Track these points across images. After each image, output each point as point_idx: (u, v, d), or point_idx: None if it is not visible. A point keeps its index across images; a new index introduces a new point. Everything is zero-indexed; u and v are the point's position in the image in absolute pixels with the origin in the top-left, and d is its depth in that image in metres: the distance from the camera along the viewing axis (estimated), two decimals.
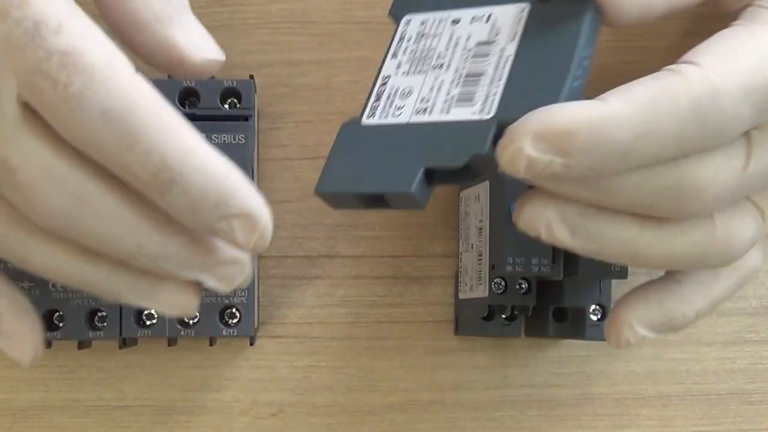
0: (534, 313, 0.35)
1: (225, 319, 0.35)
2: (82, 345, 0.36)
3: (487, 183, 0.34)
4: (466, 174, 0.26)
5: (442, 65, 0.29)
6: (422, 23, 0.31)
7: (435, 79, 0.29)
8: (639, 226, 0.26)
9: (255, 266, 0.35)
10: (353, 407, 0.38)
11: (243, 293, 0.35)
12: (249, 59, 0.38)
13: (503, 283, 0.34)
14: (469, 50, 0.29)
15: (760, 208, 0.27)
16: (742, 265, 0.29)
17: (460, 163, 0.25)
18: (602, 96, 0.25)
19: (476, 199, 0.35)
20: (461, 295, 0.37)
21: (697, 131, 0.24)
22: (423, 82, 0.29)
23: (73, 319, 0.34)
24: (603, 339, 0.35)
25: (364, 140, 0.28)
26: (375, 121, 0.29)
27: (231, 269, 0.27)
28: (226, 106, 0.35)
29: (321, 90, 0.38)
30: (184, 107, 0.35)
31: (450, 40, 0.29)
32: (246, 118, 0.35)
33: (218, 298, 0.35)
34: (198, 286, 0.28)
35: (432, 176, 0.26)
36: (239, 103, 0.35)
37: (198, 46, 0.28)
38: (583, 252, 0.27)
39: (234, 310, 0.35)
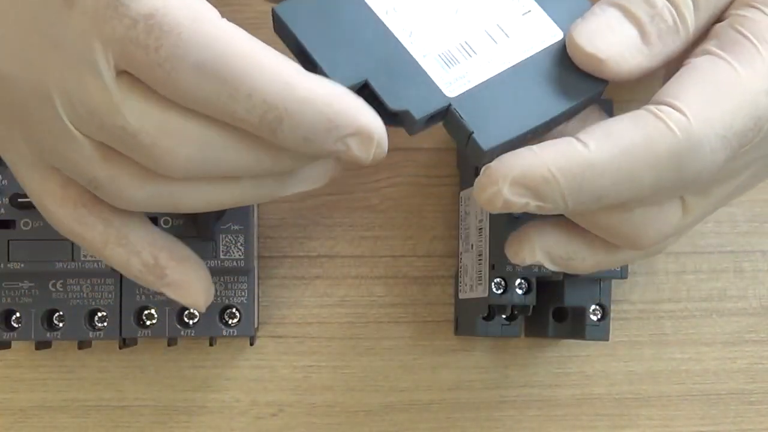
0: (534, 313, 0.35)
1: (225, 319, 0.35)
2: (82, 345, 0.36)
3: None
4: (389, 116, 0.26)
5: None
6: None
7: (444, 16, 0.28)
8: (597, 252, 0.29)
9: (255, 266, 0.35)
10: (353, 407, 0.38)
11: (243, 293, 0.35)
12: None
13: (503, 283, 0.34)
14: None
15: (684, 200, 0.28)
16: None
17: (394, 106, 0.26)
18: (582, 136, 0.25)
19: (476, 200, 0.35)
20: (461, 295, 0.37)
21: (673, 179, 0.25)
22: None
23: (73, 319, 0.34)
24: (603, 339, 0.35)
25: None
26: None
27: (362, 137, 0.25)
28: None
29: None
30: None
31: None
32: None
33: (218, 299, 0.35)
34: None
35: (363, 90, 0.26)
36: None
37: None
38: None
39: (234, 310, 0.35)
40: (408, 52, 0.27)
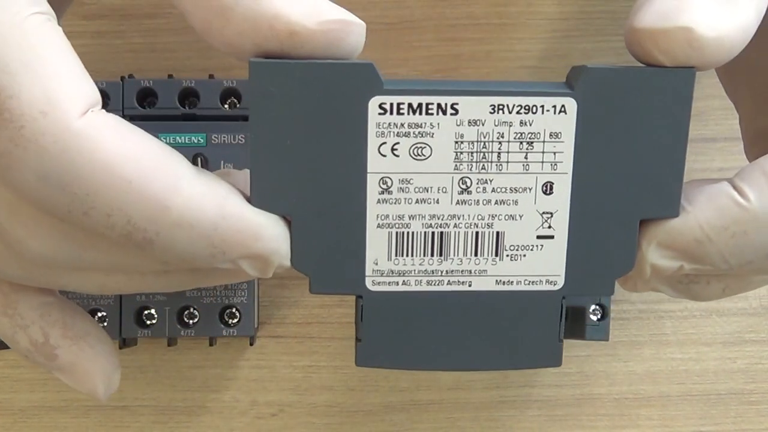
0: None
1: (225, 319, 0.35)
2: None
3: None
4: None
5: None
6: None
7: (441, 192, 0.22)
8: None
9: None
10: (353, 407, 0.38)
11: (243, 293, 0.35)
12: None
13: None
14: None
15: None
16: None
17: (296, 266, 0.23)
18: (740, 183, 0.21)
19: None
20: None
21: (728, 255, 0.21)
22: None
23: None
24: (603, 339, 0.35)
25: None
26: None
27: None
28: (226, 106, 0.35)
29: None
30: (184, 107, 0.35)
31: None
32: (246, 118, 0.35)
33: (218, 298, 0.35)
34: None
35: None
36: (239, 103, 0.35)
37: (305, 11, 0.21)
38: None
39: (234, 310, 0.35)
40: (363, 214, 0.21)
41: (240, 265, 0.21)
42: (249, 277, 0.22)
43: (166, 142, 0.33)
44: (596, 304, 0.34)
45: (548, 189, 0.21)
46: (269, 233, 0.21)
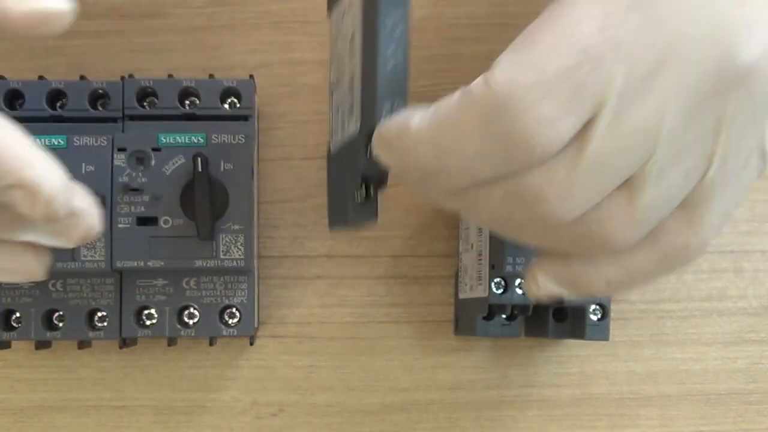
0: (534, 313, 0.35)
1: (225, 319, 0.35)
2: (82, 345, 0.36)
3: None
4: (384, 181, 0.26)
5: (344, 72, 0.28)
6: (336, 23, 0.30)
7: (343, 92, 0.28)
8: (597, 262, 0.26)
9: (255, 266, 0.35)
10: (353, 407, 0.38)
11: (243, 293, 0.35)
12: (249, 59, 0.38)
13: (503, 283, 0.34)
14: (349, 50, 0.28)
15: (628, 188, 0.24)
16: (661, 239, 0.26)
17: (359, 182, 0.26)
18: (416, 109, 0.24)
19: None
20: (461, 295, 0.37)
21: (497, 148, 0.22)
22: (342, 97, 0.29)
23: (73, 319, 0.34)
24: (603, 339, 0.35)
25: (333, 171, 0.30)
26: (334, 148, 0.30)
27: (64, 224, 0.26)
28: (226, 106, 0.35)
29: (321, 90, 0.38)
30: (183, 107, 0.35)
31: (343, 40, 0.29)
32: (246, 118, 0.35)
33: (218, 298, 0.35)
34: (37, 248, 0.28)
35: (368, 191, 0.27)
36: (239, 103, 0.35)
37: None
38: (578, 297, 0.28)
39: (234, 310, 0.35)
40: (348, 143, 0.27)
41: (14, 198, 0.24)
42: (24, 214, 0.24)
43: (166, 142, 0.33)
44: (596, 304, 0.34)
45: None
46: (43, 164, 0.24)
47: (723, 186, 0.25)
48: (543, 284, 0.27)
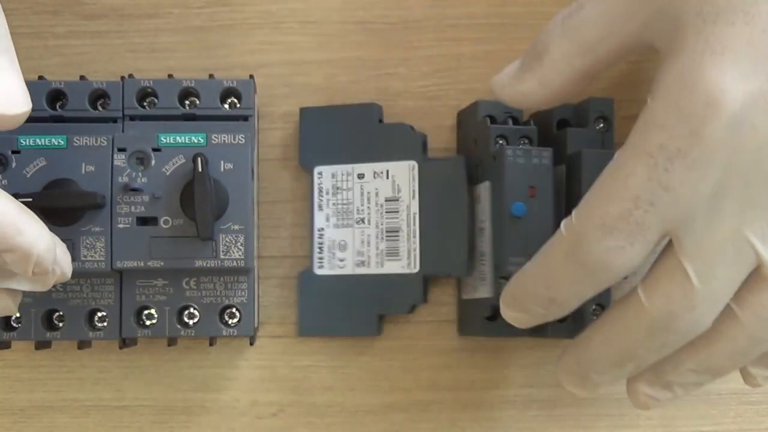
0: None
1: (225, 319, 0.35)
2: (82, 345, 0.36)
3: (488, 183, 0.34)
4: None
5: (363, 220, 0.36)
6: (333, 176, 0.36)
7: (362, 234, 0.36)
8: None
9: (255, 266, 0.35)
10: (353, 407, 0.38)
11: (243, 293, 0.35)
12: (249, 59, 0.38)
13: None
14: (381, 205, 0.36)
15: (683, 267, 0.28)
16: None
17: (405, 311, 0.37)
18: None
19: (477, 199, 0.35)
20: (464, 296, 0.37)
21: (582, 272, 0.28)
22: (353, 236, 0.36)
23: (73, 319, 0.34)
24: None
25: (322, 289, 0.37)
26: (325, 271, 0.37)
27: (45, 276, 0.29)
28: (226, 106, 0.35)
29: (321, 90, 0.38)
30: (183, 107, 0.35)
31: (362, 194, 0.36)
32: (246, 118, 0.35)
33: (218, 298, 0.35)
34: (14, 290, 0.30)
35: (382, 317, 0.37)
36: (239, 103, 0.35)
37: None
38: None
39: (234, 310, 0.35)
40: (372, 275, 0.36)
41: (5, 260, 0.26)
42: (20, 272, 0.27)
43: (166, 142, 0.33)
44: (596, 304, 0.34)
45: None
46: (31, 229, 0.27)
47: None
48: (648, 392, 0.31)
